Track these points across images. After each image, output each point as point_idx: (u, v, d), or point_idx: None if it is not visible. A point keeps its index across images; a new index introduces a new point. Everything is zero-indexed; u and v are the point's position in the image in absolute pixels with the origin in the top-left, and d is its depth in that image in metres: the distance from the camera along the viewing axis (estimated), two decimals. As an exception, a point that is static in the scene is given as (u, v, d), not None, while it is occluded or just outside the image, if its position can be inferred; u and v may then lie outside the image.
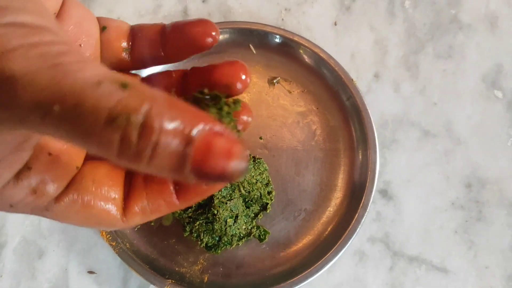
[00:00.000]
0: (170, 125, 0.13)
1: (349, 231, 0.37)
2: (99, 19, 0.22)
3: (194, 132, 0.14)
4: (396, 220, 0.39)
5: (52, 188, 0.17)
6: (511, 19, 0.44)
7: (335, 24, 0.44)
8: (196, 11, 0.45)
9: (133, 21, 0.44)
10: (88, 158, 0.19)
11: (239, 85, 0.20)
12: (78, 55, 0.14)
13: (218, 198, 0.35)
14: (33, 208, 0.18)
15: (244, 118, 0.20)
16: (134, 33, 0.22)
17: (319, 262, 0.36)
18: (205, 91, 0.19)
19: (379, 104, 0.42)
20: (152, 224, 0.38)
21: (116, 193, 0.18)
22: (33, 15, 0.15)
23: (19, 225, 0.39)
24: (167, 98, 0.14)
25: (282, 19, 0.44)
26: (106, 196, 0.18)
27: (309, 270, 0.36)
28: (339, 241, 0.36)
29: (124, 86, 0.14)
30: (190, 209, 0.36)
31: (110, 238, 0.36)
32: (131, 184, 0.19)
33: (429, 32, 0.44)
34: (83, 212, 0.18)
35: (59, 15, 0.21)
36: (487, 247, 0.39)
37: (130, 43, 0.22)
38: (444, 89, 0.42)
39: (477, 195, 0.40)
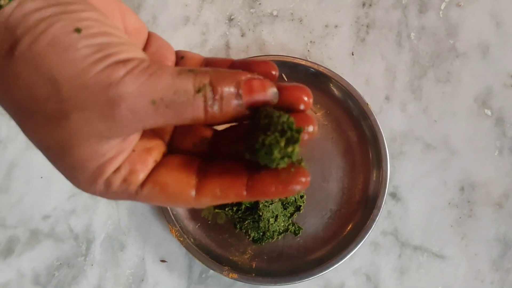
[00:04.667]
0: (225, 83, 0.21)
1: (366, 227, 0.46)
2: (178, 51, 0.27)
3: (241, 79, 0.22)
4: (403, 217, 0.49)
5: (137, 178, 0.22)
6: (499, 47, 0.52)
7: (352, 54, 0.53)
8: (236, 45, 0.54)
9: (184, 53, 0.53)
10: (164, 155, 0.24)
11: (302, 106, 0.23)
12: (158, 63, 0.22)
13: (262, 202, 0.45)
14: (127, 194, 0.23)
15: (310, 129, 0.22)
16: (207, 63, 0.27)
17: (342, 252, 0.45)
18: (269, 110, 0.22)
19: (389, 122, 0.50)
20: (209, 222, 0.48)
21: (187, 179, 0.23)
22: (133, 52, 0.21)
23: (103, 224, 0.49)
24: (218, 70, 0.22)
25: (308, 50, 0.53)
26: (179, 181, 0.23)
27: (335, 258, 0.45)
28: (358, 235, 0.46)
29: (191, 71, 0.21)
30: (240, 211, 0.46)
31: (178, 234, 0.46)
32: (207, 173, 0.23)
33: (430, 60, 0.52)
34: (162, 194, 0.23)
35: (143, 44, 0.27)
36: (476, 238, 0.48)
37: None
38: (443, 109, 0.51)
39: (469, 196, 0.49)
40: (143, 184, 0.23)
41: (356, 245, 0.46)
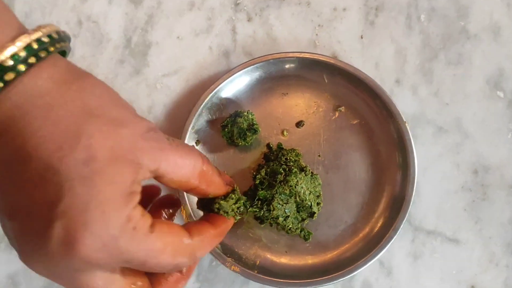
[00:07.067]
0: None
1: (378, 247, 0.44)
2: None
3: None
4: (416, 201, 0.48)
5: (149, 217, 0.25)
6: (511, 28, 0.51)
7: (361, 37, 0.52)
8: (243, 30, 0.53)
9: (190, 39, 0.52)
10: None
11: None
12: None
13: (277, 199, 0.42)
14: (143, 231, 0.24)
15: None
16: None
17: (348, 268, 0.44)
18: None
19: (400, 106, 0.49)
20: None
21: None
22: None
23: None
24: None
25: (316, 34, 0.52)
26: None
27: (338, 272, 0.44)
28: (368, 255, 0.44)
29: None
30: (255, 206, 0.43)
31: (189, 216, 0.46)
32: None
33: (441, 42, 0.51)
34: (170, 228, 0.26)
35: None
36: (490, 221, 0.47)
37: None
38: (454, 91, 0.50)
39: (482, 180, 0.48)
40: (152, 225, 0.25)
41: (363, 264, 0.44)
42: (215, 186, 0.31)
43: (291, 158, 0.46)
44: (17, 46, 0.23)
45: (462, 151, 0.49)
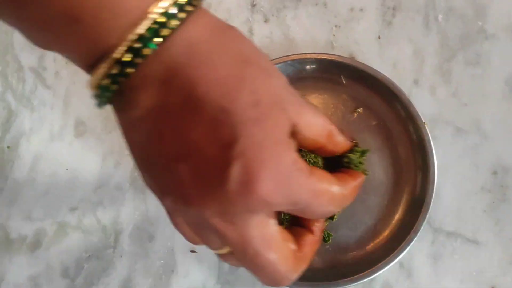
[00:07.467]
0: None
1: (398, 250, 0.44)
2: None
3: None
4: (436, 203, 0.48)
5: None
6: (530, 28, 0.51)
7: (379, 38, 0.52)
8: (260, 31, 0.53)
9: (207, 41, 0.52)
10: None
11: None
12: None
13: None
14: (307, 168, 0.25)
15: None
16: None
17: (368, 271, 0.44)
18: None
19: (418, 106, 0.49)
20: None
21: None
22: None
23: (131, 215, 0.49)
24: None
25: (333, 35, 0.52)
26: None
27: (357, 275, 0.44)
28: (389, 256, 0.44)
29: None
30: None
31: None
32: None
33: (459, 42, 0.51)
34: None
35: None
36: (510, 222, 0.47)
37: None
38: (473, 92, 0.50)
39: (502, 181, 0.48)
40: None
41: (384, 266, 0.44)
42: (342, 144, 0.30)
43: (310, 159, 0.46)
44: None
45: (481, 152, 0.49)
